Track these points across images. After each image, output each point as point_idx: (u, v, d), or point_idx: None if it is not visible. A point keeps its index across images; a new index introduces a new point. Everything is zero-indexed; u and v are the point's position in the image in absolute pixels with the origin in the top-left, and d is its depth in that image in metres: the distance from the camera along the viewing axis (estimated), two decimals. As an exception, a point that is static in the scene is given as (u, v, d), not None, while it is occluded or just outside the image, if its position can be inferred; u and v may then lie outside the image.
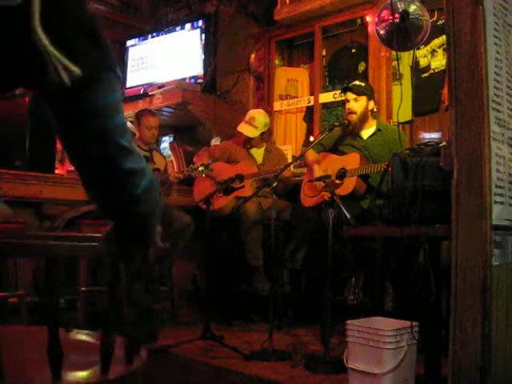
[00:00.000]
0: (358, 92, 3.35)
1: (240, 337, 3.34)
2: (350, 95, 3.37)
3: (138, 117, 3.98)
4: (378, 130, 3.42)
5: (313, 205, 3.41)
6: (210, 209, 3.21)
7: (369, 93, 3.39)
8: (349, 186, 3.24)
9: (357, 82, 3.43)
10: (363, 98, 3.36)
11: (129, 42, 5.54)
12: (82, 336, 1.45)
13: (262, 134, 3.96)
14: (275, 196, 3.09)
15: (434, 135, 3.75)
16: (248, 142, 4.01)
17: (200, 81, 4.90)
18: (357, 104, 3.36)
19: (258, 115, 3.98)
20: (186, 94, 4.70)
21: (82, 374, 1.12)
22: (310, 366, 2.63)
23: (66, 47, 0.71)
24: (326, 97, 4.55)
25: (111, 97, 0.81)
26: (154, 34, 5.38)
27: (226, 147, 4.15)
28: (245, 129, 3.93)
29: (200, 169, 3.70)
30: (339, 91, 4.37)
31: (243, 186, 3.83)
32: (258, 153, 4.07)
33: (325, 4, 4.28)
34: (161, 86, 4.86)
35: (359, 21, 4.44)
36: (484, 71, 1.71)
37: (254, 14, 4.97)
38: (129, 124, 5.12)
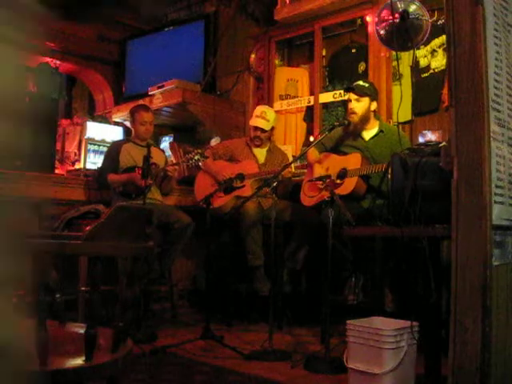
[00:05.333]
0: (361, 93, 3.33)
1: (240, 337, 3.34)
2: (353, 95, 3.35)
3: (132, 113, 3.99)
4: (381, 131, 3.40)
5: (313, 204, 3.40)
6: (209, 209, 3.22)
7: (372, 94, 3.37)
8: (349, 185, 3.23)
9: (360, 83, 3.41)
10: (366, 99, 3.34)
11: (129, 42, 5.54)
12: (76, 328, 1.50)
13: (271, 129, 4.04)
14: (275, 196, 3.08)
15: (434, 135, 3.75)
16: (258, 139, 4.01)
17: (200, 81, 4.89)
18: (359, 104, 3.34)
19: (269, 110, 4.07)
20: (185, 94, 4.70)
21: (68, 361, 1.22)
22: (309, 365, 2.63)
23: None
24: (326, 97, 4.55)
25: None
26: (154, 34, 5.38)
27: (230, 145, 4.15)
28: (259, 122, 3.96)
29: (196, 157, 3.70)
30: (339, 91, 4.39)
31: (244, 186, 3.83)
32: (261, 153, 4.07)
33: (325, 4, 4.28)
34: (161, 86, 4.86)
35: (359, 21, 4.44)
36: (484, 71, 1.71)
37: (254, 14, 4.97)
38: (128, 124, 5.13)
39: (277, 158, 4.09)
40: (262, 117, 3.97)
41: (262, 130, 3.97)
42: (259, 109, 4.07)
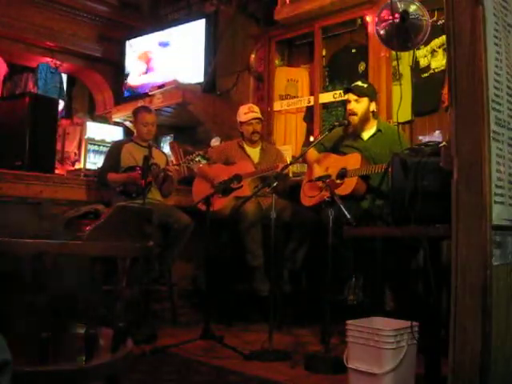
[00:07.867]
0: (360, 93, 3.33)
1: (240, 337, 3.34)
2: (352, 96, 3.35)
3: (135, 114, 4.00)
4: (379, 130, 3.41)
5: (313, 205, 3.40)
6: (209, 209, 3.21)
7: (371, 94, 3.37)
8: (349, 186, 3.23)
9: (359, 83, 3.40)
10: (365, 100, 3.34)
11: (128, 42, 5.53)
12: (76, 328, 1.50)
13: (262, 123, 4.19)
14: (275, 196, 3.08)
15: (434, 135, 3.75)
16: (256, 133, 4.02)
17: (200, 81, 4.89)
18: (358, 105, 3.34)
19: (252, 104, 4.21)
20: (186, 94, 4.70)
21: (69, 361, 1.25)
22: (310, 365, 2.63)
23: None
24: (326, 97, 4.55)
25: None
26: (154, 34, 5.37)
27: (223, 149, 4.16)
28: (252, 115, 3.99)
29: (197, 159, 3.70)
30: (339, 91, 4.38)
31: (241, 186, 3.83)
32: (255, 152, 4.08)
33: (325, 4, 4.28)
34: (161, 86, 4.85)
35: (359, 21, 4.44)
36: (484, 71, 1.71)
37: (254, 14, 4.97)
38: (128, 124, 5.13)
39: (271, 155, 4.10)
40: (251, 111, 4.01)
41: (258, 120, 3.99)
42: (244, 107, 4.10)
